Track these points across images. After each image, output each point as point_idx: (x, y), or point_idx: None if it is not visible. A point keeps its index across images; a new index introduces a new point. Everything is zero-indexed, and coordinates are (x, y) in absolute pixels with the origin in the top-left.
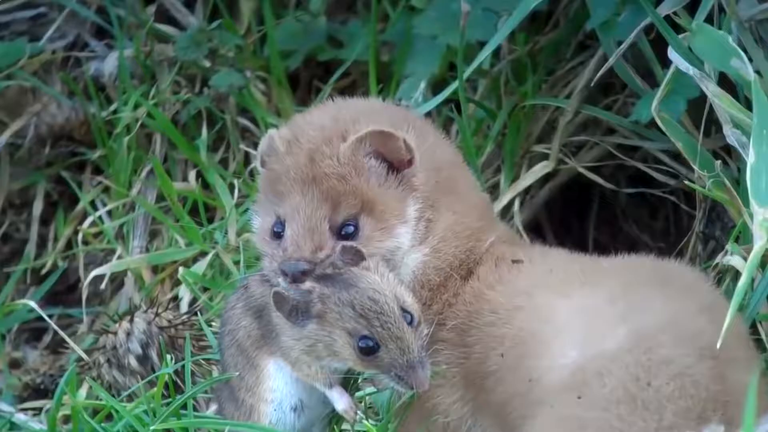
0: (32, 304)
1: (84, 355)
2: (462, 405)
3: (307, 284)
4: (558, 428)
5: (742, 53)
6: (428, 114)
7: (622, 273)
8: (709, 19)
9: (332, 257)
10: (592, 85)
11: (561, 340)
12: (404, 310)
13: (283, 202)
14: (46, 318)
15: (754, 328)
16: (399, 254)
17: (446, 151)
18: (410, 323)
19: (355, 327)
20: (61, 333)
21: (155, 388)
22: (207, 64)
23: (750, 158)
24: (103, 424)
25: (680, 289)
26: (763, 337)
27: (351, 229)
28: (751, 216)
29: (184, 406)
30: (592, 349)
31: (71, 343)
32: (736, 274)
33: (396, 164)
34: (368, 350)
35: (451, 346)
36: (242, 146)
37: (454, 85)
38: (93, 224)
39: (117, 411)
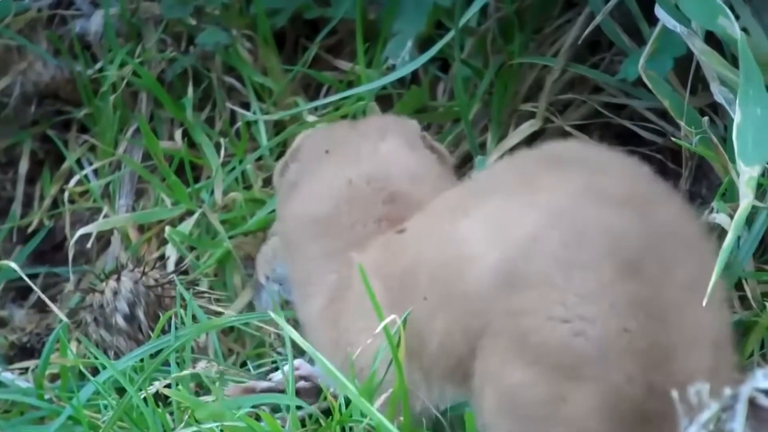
0: (13, 265)
1: (65, 318)
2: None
3: None
4: (508, 329)
5: (729, 11)
6: (414, 72)
7: (509, 173)
8: None
9: None
10: (579, 43)
11: (477, 248)
12: None
13: None
14: (28, 280)
15: (739, 286)
16: None
17: (300, 203)
18: None
19: None
20: (43, 296)
21: (143, 348)
22: (193, 22)
23: (736, 117)
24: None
25: (570, 161)
26: (749, 294)
27: None
28: (737, 173)
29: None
30: (508, 241)
31: (53, 307)
32: (723, 232)
33: None
34: None
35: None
36: (228, 105)
37: (441, 43)
38: (79, 183)
39: (104, 367)
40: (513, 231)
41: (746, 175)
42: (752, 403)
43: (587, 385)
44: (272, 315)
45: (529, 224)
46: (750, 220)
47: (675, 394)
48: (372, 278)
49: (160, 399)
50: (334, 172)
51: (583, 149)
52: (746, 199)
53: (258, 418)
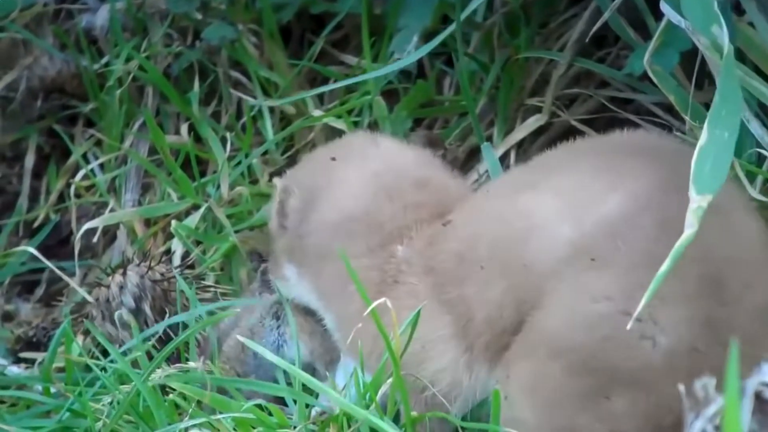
0: (31, 249)
1: (88, 296)
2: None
3: None
4: (574, 302)
5: (723, 21)
6: (420, 67)
7: (579, 156)
8: None
9: None
10: (585, 38)
11: (547, 222)
12: None
13: None
14: (47, 262)
15: None
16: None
17: (327, 212)
18: None
19: None
20: (64, 276)
21: (149, 342)
22: (199, 16)
23: (701, 139)
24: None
25: (649, 151)
26: None
27: None
28: (741, 168)
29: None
30: (588, 218)
31: (75, 286)
32: None
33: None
34: None
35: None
36: (234, 94)
37: (443, 35)
38: (85, 177)
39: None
40: (593, 207)
41: (695, 204)
42: (758, 398)
43: (638, 392)
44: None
45: (613, 204)
46: None
47: (681, 387)
48: (419, 272)
49: (166, 394)
50: (354, 171)
51: (660, 140)
52: (690, 228)
53: (262, 409)
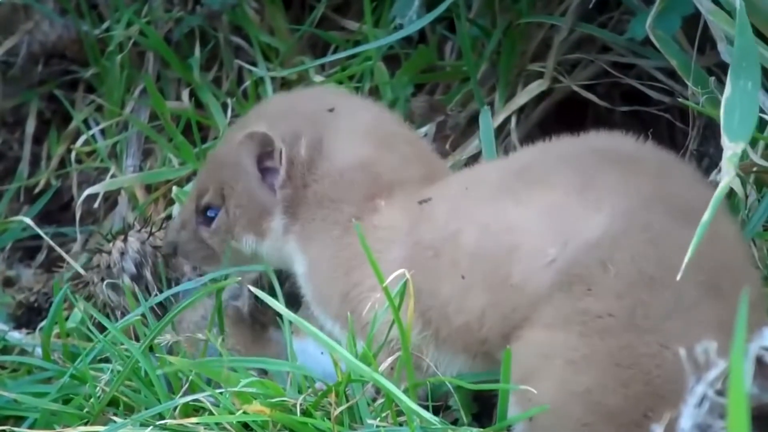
0: (27, 220)
1: (82, 271)
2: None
3: None
4: (562, 330)
5: None
6: (422, 32)
7: (565, 162)
8: None
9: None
10: (591, 7)
11: (532, 242)
12: None
13: None
14: (43, 234)
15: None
16: (268, 257)
17: (341, 157)
18: None
19: None
20: (58, 249)
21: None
22: None
23: (726, 90)
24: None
25: (631, 160)
26: (756, 254)
27: (212, 214)
28: None
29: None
30: (574, 241)
31: (69, 260)
32: (730, 192)
33: (273, 173)
34: None
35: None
36: (235, 65)
37: (448, 2)
38: (86, 143)
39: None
40: (579, 229)
41: (729, 152)
42: (759, 362)
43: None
44: (259, 293)
45: (599, 226)
46: (762, 184)
47: (682, 352)
48: (393, 243)
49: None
50: (353, 122)
51: (638, 148)
52: (727, 175)
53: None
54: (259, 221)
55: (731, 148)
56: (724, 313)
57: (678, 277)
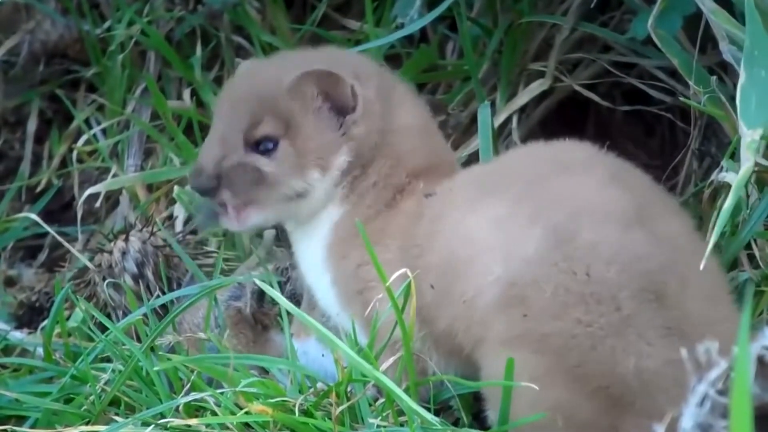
0: (33, 216)
1: (90, 264)
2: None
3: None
4: (518, 349)
5: None
6: (423, 31)
7: (521, 171)
8: None
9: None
10: (592, 6)
11: (483, 257)
12: None
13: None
14: (48, 229)
15: (748, 246)
16: (308, 204)
17: (406, 115)
18: None
19: None
20: (65, 243)
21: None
22: None
23: (740, 78)
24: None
25: (581, 167)
26: (757, 254)
27: (270, 146)
28: None
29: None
30: (514, 260)
31: (76, 254)
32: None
33: (341, 110)
34: None
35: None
36: (237, 64)
37: (449, 1)
38: (87, 142)
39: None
40: (518, 245)
41: (748, 138)
42: (761, 362)
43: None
44: (265, 287)
45: (533, 242)
46: (763, 181)
47: (684, 352)
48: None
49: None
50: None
51: (592, 156)
52: (747, 162)
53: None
54: (327, 157)
55: (749, 135)
56: (670, 318)
57: (611, 291)
